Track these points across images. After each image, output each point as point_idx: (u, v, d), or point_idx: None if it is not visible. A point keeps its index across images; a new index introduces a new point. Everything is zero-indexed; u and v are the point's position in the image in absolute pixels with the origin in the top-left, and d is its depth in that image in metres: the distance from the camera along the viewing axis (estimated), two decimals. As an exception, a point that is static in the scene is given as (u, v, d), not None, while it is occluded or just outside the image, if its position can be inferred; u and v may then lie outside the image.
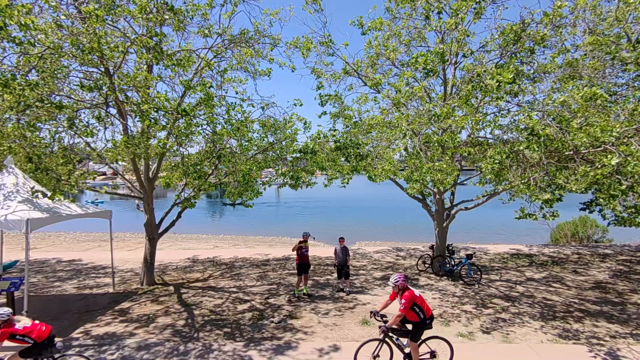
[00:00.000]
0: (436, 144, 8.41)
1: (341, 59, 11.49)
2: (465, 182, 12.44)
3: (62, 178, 7.12)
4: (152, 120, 7.51)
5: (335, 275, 11.95)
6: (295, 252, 9.84)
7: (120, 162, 10.95)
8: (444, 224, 11.82)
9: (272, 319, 8.09)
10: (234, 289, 10.49)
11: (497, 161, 7.41)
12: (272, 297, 9.76)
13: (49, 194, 7.27)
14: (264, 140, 10.89)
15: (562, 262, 13.89)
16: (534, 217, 7.98)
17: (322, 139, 11.54)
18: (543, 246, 18.21)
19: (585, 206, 15.71)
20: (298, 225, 27.81)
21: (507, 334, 7.55)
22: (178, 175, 11.26)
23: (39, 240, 20.42)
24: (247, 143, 9.64)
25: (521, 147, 6.96)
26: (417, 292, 5.95)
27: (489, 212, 30.89)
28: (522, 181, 7.60)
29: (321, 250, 17.31)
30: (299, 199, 49.23)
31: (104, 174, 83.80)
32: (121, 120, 8.33)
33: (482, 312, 8.71)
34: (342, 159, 12.12)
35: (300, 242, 9.70)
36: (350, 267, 10.47)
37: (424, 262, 12.44)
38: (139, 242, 20.44)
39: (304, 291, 9.87)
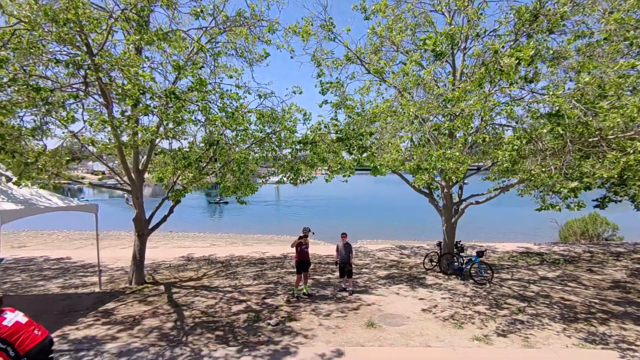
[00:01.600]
0: (447, 131, 7.71)
1: (343, 45, 10.79)
2: (477, 168, 11.76)
3: (29, 161, 6.43)
4: (138, 103, 6.82)
5: (337, 274, 11.26)
6: (294, 249, 9.16)
7: (105, 155, 10.23)
8: (453, 220, 11.14)
9: (269, 321, 7.41)
10: (229, 289, 9.81)
11: (515, 147, 6.73)
12: (269, 297, 9.08)
13: (14, 178, 6.56)
14: (261, 132, 10.21)
15: (574, 261, 13.20)
16: (557, 207, 7.31)
17: (323, 130, 10.86)
18: (552, 244, 17.54)
19: (598, 202, 15.03)
20: (297, 223, 27.06)
21: (527, 337, 6.86)
22: (171, 169, 10.59)
23: (30, 239, 19.73)
24: (242, 132, 8.94)
25: (544, 130, 6.28)
26: (10, 319, 4.14)
27: (494, 210, 30.24)
28: (543, 169, 6.91)
29: (322, 249, 16.64)
30: (298, 198, 48.54)
31: (103, 172, 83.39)
32: (104, 103, 7.65)
33: (496, 314, 8.03)
34: (344, 153, 11.44)
35: (299, 238, 9.02)
36: (353, 266, 9.79)
37: (431, 260, 11.76)
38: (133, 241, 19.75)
39: (304, 291, 9.20)
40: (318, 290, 9.69)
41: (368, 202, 43.53)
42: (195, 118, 8.20)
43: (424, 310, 8.25)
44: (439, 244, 11.58)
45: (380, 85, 11.37)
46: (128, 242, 19.17)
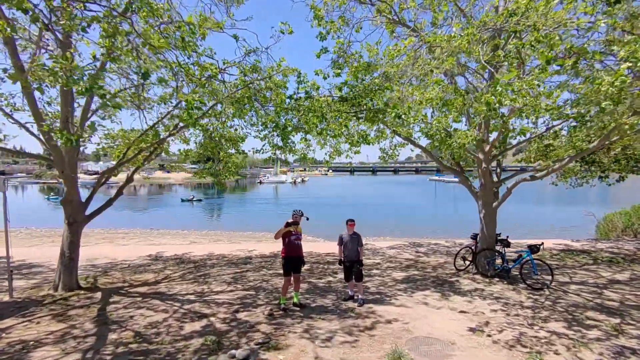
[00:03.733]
0: (514, 51, 4.98)
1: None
2: (521, 169, 9.06)
3: None
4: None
5: (340, 275, 8.55)
6: (281, 241, 6.45)
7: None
8: (494, 205, 8.40)
9: (233, 352, 4.67)
10: (192, 297, 7.09)
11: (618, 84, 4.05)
12: (244, 309, 6.35)
13: None
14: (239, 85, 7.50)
15: (637, 260, 10.48)
16: None
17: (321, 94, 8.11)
18: (593, 240, 14.81)
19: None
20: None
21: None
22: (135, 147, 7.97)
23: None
24: (196, 58, 6.17)
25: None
26: None
27: (510, 207, 27.40)
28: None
29: (320, 246, 13.93)
30: (297, 197, 46.10)
31: (97, 172, 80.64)
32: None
33: (584, 336, 5.30)
34: (351, 123, 8.71)
35: (287, 225, 6.31)
36: (367, 264, 7.05)
37: (464, 258, 9.01)
38: (104, 238, 17.08)
39: (295, 300, 6.49)
40: (315, 298, 6.98)
41: (369, 200, 40.79)
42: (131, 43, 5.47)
43: (471, 329, 5.52)
44: (474, 237, 8.86)
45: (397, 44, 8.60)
46: (98, 239, 16.48)
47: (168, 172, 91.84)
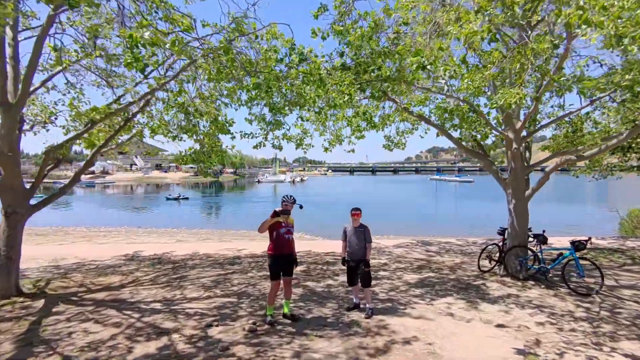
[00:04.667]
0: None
1: None
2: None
3: None
4: None
5: (342, 278, 7.17)
6: (268, 235, 5.05)
7: None
8: (527, 193, 7.01)
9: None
10: (158, 305, 5.69)
11: None
12: (220, 322, 4.95)
13: None
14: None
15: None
16: None
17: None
18: (619, 238, 13.44)
19: None
20: (295, 219, 22.83)
21: None
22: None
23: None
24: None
25: None
26: None
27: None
28: None
29: (319, 245, 12.54)
30: (296, 195, 44.64)
31: (92, 172, 79.23)
32: None
33: (675, 361, 3.90)
34: (357, 96, 7.30)
35: (275, 214, 4.90)
36: (373, 265, 5.59)
37: (490, 257, 7.59)
38: (84, 236, 15.68)
39: (285, 310, 5.09)
40: (311, 307, 5.58)
41: (369, 198, 39.43)
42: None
43: (520, 352, 4.12)
44: (502, 232, 7.46)
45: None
46: (73, 238, 15.09)
47: (165, 171, 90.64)
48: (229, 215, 27.12)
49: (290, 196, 5.05)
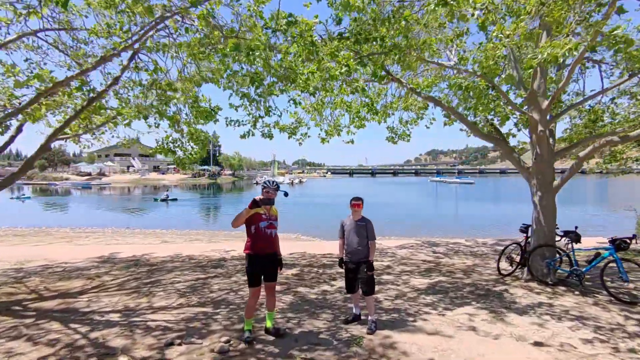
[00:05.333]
0: None
1: None
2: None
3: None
4: None
5: (340, 284, 6.16)
6: (245, 229, 4.03)
7: None
8: (555, 183, 6.01)
9: None
10: (115, 316, 4.67)
11: None
12: (185, 339, 3.93)
13: None
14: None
15: None
16: None
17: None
18: None
19: None
20: (291, 219, 21.86)
21: None
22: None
23: None
24: None
25: None
26: None
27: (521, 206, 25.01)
28: None
29: (316, 246, 11.56)
30: (295, 196, 43.80)
31: (89, 174, 78.20)
32: None
33: None
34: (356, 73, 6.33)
35: (253, 204, 3.86)
36: (375, 267, 4.53)
37: (510, 259, 6.56)
38: (65, 237, 14.66)
39: (267, 325, 4.07)
40: (301, 320, 4.57)
41: (370, 199, 38.46)
42: None
43: (573, 383, 3.11)
44: (524, 230, 6.45)
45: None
46: (52, 239, 14.06)
47: (163, 173, 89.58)
48: (224, 216, 26.07)
49: (273, 182, 4.04)
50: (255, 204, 3.83)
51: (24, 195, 36.28)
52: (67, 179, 71.46)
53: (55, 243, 13.26)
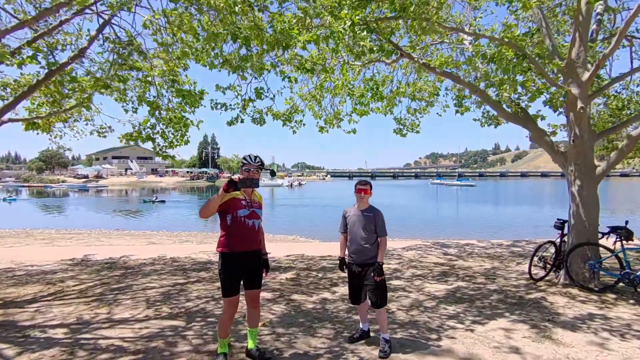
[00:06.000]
0: None
1: None
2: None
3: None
4: None
5: (342, 290, 5.18)
6: (218, 221, 3.05)
7: None
8: (597, 170, 5.06)
9: None
10: (60, 332, 3.70)
11: None
12: (139, 366, 2.96)
13: None
14: None
15: None
16: None
17: None
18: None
19: None
20: (289, 219, 20.89)
21: None
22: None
23: None
24: None
25: None
26: None
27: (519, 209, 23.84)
28: None
29: (315, 248, 10.61)
30: (294, 198, 42.96)
31: (86, 176, 77.29)
32: None
33: None
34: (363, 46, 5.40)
35: (229, 185, 2.85)
36: (384, 272, 3.58)
37: (544, 261, 5.56)
38: (46, 238, 13.67)
39: (250, 345, 3.09)
40: (293, 337, 3.58)
41: (370, 200, 37.52)
42: None
43: None
44: (560, 226, 5.47)
45: None
46: (32, 240, 13.06)
47: (161, 176, 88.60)
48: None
49: (255, 157, 3.06)
50: (232, 184, 2.81)
51: (10, 196, 35.77)
52: (63, 182, 70.44)
53: (33, 245, 12.28)
